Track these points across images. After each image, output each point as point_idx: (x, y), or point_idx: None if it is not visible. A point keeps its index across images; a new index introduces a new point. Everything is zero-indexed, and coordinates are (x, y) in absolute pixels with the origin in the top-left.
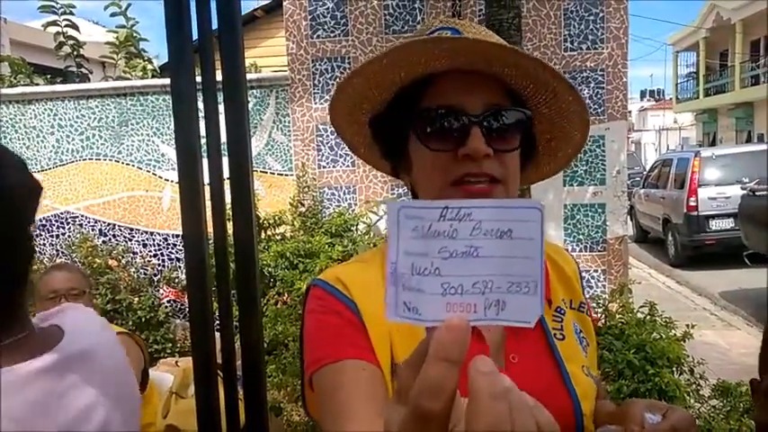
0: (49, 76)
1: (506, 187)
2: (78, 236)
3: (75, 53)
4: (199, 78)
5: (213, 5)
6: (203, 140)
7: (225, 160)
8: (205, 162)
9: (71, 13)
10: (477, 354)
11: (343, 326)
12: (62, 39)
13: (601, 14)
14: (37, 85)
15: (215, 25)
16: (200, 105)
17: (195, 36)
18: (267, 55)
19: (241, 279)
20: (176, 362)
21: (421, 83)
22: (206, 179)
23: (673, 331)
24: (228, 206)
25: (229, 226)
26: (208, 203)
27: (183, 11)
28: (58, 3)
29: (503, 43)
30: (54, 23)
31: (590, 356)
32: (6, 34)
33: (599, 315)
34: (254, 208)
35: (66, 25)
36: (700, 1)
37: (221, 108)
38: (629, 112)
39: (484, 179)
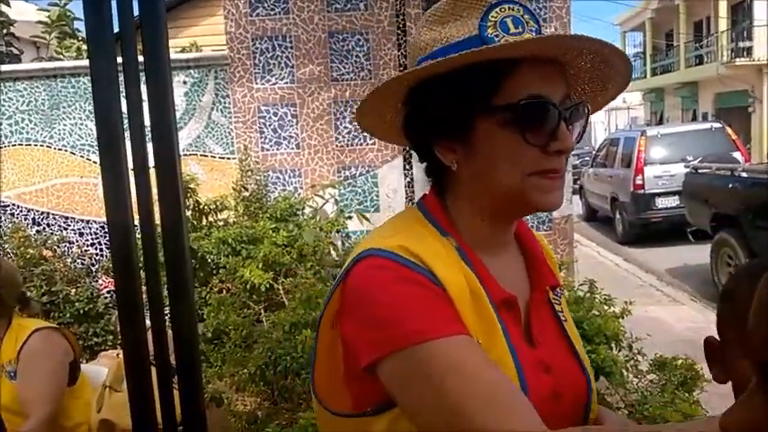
0: None
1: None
2: (10, 225)
3: (4, 31)
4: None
5: None
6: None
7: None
8: (129, 147)
9: None
10: (518, 327)
11: (434, 298)
12: None
13: None
14: None
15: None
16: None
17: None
18: (207, 34)
19: (171, 266)
20: (117, 354)
21: (498, 62)
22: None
23: (612, 308)
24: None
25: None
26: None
27: None
28: None
29: (586, 35)
30: None
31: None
32: None
33: None
34: (190, 194)
35: None
36: None
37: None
38: None
39: (560, 173)
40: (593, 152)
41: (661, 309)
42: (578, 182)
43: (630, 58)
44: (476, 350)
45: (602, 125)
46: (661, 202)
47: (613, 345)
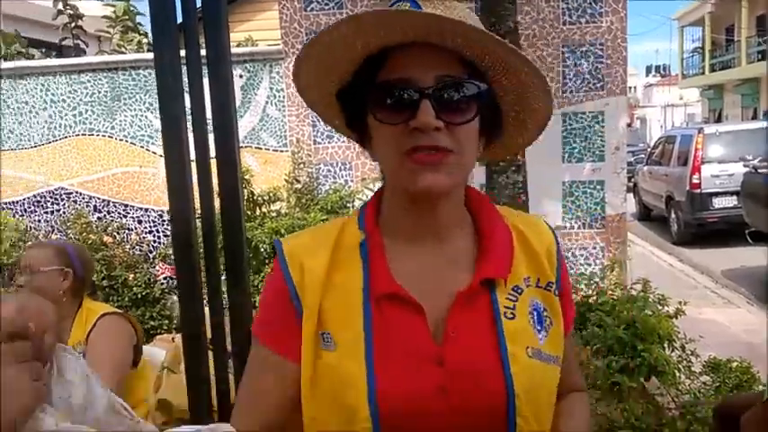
0: (44, 50)
1: (460, 157)
2: (73, 212)
3: (72, 23)
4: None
5: None
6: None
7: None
8: (192, 138)
9: None
10: (417, 327)
11: (276, 302)
12: (60, 7)
13: None
14: (32, 57)
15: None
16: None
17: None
18: (263, 29)
19: (229, 255)
20: (172, 338)
21: (378, 56)
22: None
23: (665, 308)
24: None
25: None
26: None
27: None
28: None
29: (455, 16)
30: None
31: (551, 337)
32: (1, 8)
33: (592, 292)
34: (245, 185)
35: None
36: None
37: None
38: (634, 87)
39: (434, 149)
40: (648, 149)
41: (716, 311)
42: (632, 180)
43: (688, 53)
44: (259, 359)
45: (657, 122)
46: (718, 202)
47: (666, 345)
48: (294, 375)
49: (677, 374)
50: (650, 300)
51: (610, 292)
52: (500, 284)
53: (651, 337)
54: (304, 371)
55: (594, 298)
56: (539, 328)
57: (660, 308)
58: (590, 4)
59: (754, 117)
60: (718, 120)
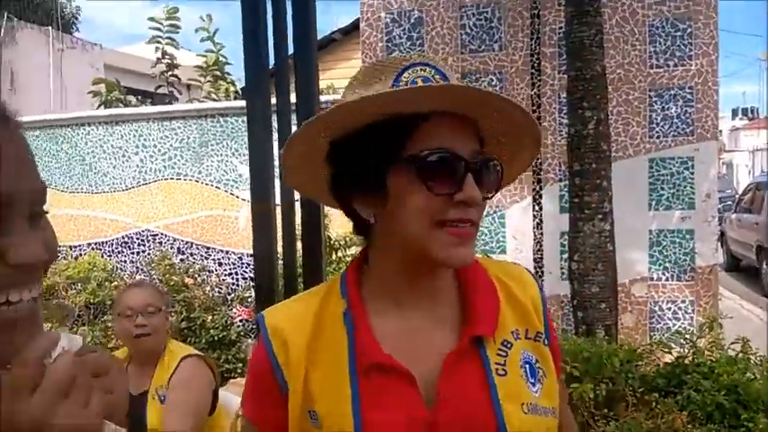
0: (139, 98)
1: (477, 229)
2: (158, 253)
3: (169, 72)
4: (274, 101)
5: (290, 31)
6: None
7: None
8: (278, 184)
9: (176, 31)
10: (407, 395)
11: (261, 378)
12: (159, 55)
13: (689, 30)
14: (129, 104)
15: (291, 50)
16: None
17: (273, 61)
18: (344, 77)
19: None
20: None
21: (405, 118)
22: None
23: None
24: (299, 227)
25: (300, 247)
26: (280, 224)
27: (260, 37)
28: (164, 22)
29: (490, 90)
30: (156, 40)
31: (546, 389)
32: (102, 59)
33: (687, 352)
34: (324, 229)
35: (167, 43)
36: None
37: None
38: (720, 131)
39: (469, 223)
40: (737, 196)
41: None
42: (719, 228)
43: None
44: None
45: (745, 168)
46: None
47: None
48: None
49: None
50: (752, 362)
51: (707, 353)
52: (489, 341)
53: (755, 404)
54: None
55: (690, 359)
56: (532, 381)
57: (763, 371)
58: (679, 46)
59: None
60: None
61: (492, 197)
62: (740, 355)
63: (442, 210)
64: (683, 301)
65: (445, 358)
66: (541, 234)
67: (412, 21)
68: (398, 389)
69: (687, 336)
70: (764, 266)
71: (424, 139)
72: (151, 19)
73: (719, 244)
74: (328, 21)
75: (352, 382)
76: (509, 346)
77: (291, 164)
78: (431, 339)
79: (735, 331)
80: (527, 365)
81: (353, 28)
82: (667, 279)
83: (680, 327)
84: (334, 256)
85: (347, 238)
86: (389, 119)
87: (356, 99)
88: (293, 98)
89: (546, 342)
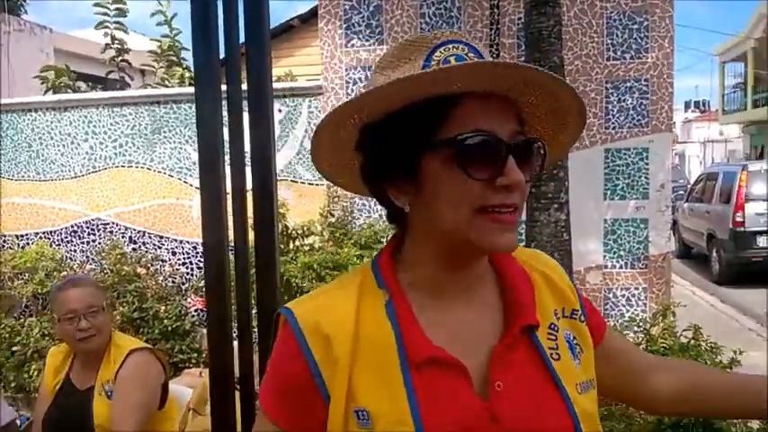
0: (90, 84)
1: (521, 212)
2: (108, 243)
3: (119, 57)
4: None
5: (242, 19)
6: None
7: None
8: (229, 172)
9: (124, 15)
10: (462, 388)
11: (294, 385)
12: (109, 41)
13: (645, 23)
14: (79, 90)
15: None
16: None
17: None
18: (303, 64)
19: (262, 290)
20: (200, 372)
21: (440, 99)
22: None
23: (719, 357)
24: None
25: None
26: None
27: (210, 22)
28: (110, 7)
29: (534, 67)
30: (104, 25)
31: (585, 363)
32: (51, 43)
33: (641, 339)
34: (279, 218)
35: (115, 28)
36: (747, 10)
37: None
38: (674, 123)
39: (512, 209)
40: (689, 186)
41: (762, 355)
42: (672, 217)
43: (730, 89)
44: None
45: (697, 158)
46: (762, 241)
47: None
48: None
49: (733, 430)
50: (703, 348)
51: (661, 341)
52: (536, 327)
53: None
54: None
55: (644, 346)
56: (574, 359)
57: (714, 357)
58: (635, 39)
59: None
60: (761, 156)
61: (530, 180)
62: (692, 341)
63: (482, 195)
64: (637, 289)
65: (495, 348)
66: None
67: (371, 8)
68: (452, 382)
69: (641, 323)
70: (714, 254)
71: (459, 121)
72: (97, 4)
73: (672, 232)
74: (287, 7)
75: (405, 378)
76: (556, 329)
77: (320, 153)
78: (476, 330)
79: (686, 318)
80: (568, 344)
81: (312, 15)
82: (621, 267)
83: (633, 313)
84: (291, 245)
85: (305, 227)
86: (421, 101)
87: (382, 84)
88: (245, 86)
89: (582, 319)
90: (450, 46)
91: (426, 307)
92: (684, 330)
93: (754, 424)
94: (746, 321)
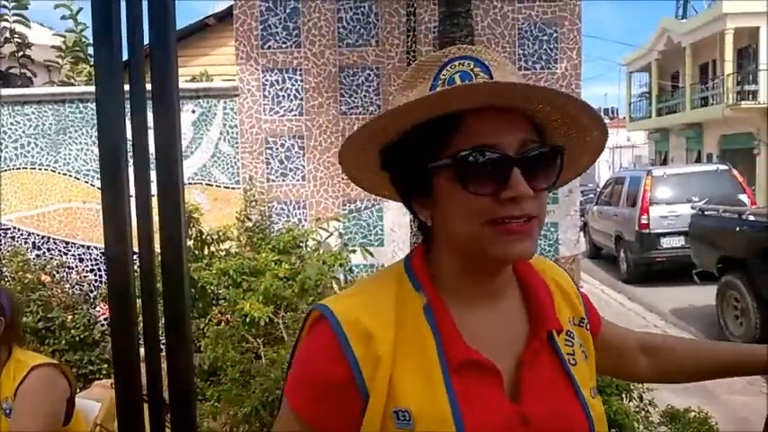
0: None
1: (541, 220)
2: (9, 249)
3: (20, 52)
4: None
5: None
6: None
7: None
8: (132, 175)
9: (24, 8)
10: (495, 391)
11: (329, 383)
12: (7, 35)
13: (555, 35)
14: None
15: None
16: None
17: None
18: (218, 64)
19: (168, 297)
20: (111, 383)
21: (445, 118)
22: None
23: None
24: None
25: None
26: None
27: (112, 20)
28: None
29: (530, 84)
30: (3, 17)
31: (592, 369)
32: None
33: None
34: (193, 223)
35: (15, 21)
36: (653, 22)
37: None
38: None
39: (525, 219)
40: (598, 189)
41: None
42: (582, 219)
43: (636, 98)
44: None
45: (606, 163)
46: (666, 242)
47: (624, 395)
48: None
49: (636, 426)
50: None
51: None
52: (556, 334)
53: (609, 388)
54: None
55: None
56: (585, 364)
57: None
58: (545, 50)
59: (698, 159)
60: (664, 161)
61: (556, 185)
62: None
63: (490, 209)
64: None
65: (523, 353)
66: (417, 226)
67: (288, 10)
68: (486, 384)
69: None
70: (622, 254)
71: (462, 138)
72: None
73: (582, 234)
74: (204, 5)
75: (445, 380)
76: (572, 335)
77: (351, 173)
78: (504, 334)
79: None
80: (582, 350)
81: (228, 14)
82: None
83: None
84: (206, 251)
85: (220, 233)
86: (430, 120)
87: (384, 113)
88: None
89: (588, 327)
90: (457, 63)
91: (458, 311)
92: None
93: None
94: (653, 318)
